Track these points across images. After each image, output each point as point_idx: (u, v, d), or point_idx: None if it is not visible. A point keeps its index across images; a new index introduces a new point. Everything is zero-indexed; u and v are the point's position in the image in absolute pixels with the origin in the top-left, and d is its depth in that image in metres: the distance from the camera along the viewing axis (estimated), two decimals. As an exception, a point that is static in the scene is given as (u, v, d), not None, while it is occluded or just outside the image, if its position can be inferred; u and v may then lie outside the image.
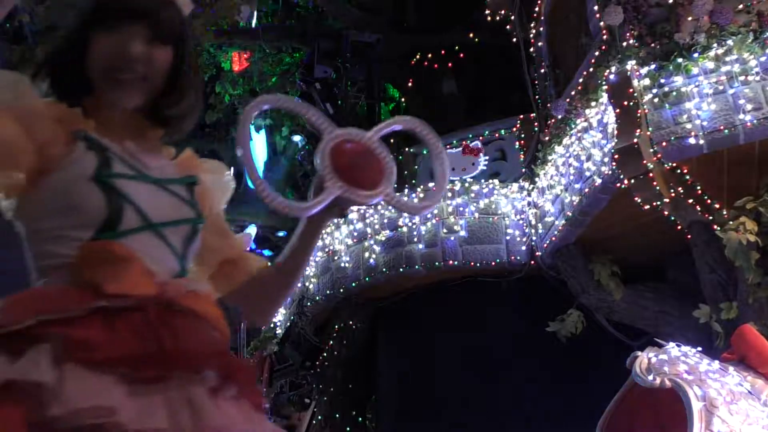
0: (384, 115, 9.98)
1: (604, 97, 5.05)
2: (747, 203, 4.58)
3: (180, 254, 1.28)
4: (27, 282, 1.23)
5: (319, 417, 7.70)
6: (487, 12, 7.73)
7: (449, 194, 6.82)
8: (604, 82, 5.00)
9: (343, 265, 7.21)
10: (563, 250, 6.01)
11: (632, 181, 4.72)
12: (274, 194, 1.30)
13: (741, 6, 4.72)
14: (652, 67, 4.76)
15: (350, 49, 9.11)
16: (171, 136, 1.41)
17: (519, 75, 7.36)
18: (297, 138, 11.02)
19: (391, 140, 10.43)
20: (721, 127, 4.47)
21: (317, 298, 7.54)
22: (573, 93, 5.91)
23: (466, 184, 6.82)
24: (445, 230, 6.68)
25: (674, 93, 4.65)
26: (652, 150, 4.62)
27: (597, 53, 5.40)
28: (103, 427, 1.00)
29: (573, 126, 5.75)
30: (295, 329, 7.77)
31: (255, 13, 9.73)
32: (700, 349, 3.38)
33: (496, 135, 7.51)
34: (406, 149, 8.33)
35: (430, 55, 9.48)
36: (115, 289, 1.11)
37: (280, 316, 8.85)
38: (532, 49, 7.21)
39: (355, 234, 7.20)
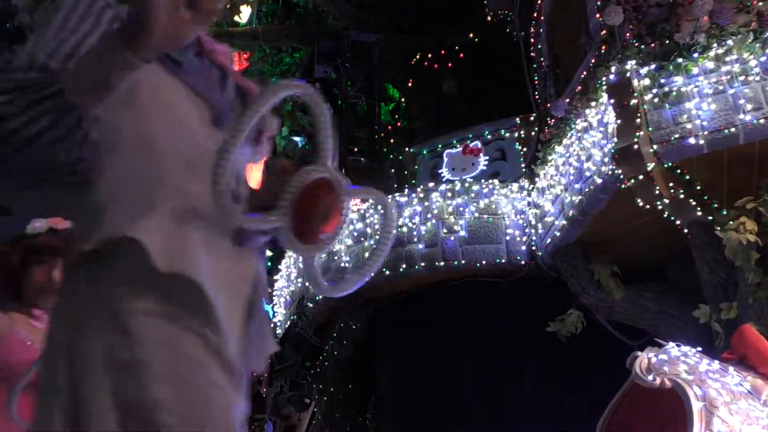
0: (384, 115, 9.99)
1: (604, 97, 5.05)
2: (747, 203, 4.58)
3: None
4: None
5: (319, 417, 7.70)
6: (487, 12, 7.74)
7: (449, 194, 6.82)
8: (604, 82, 5.00)
9: (343, 265, 7.21)
10: (563, 250, 6.01)
11: (632, 181, 4.72)
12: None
13: (741, 6, 4.72)
14: (652, 67, 4.76)
15: (350, 49, 9.11)
16: None
17: (519, 75, 7.36)
18: (297, 138, 11.01)
19: (392, 140, 10.44)
20: (721, 127, 4.47)
21: (317, 298, 7.54)
22: (573, 93, 5.92)
23: (466, 184, 6.82)
24: (445, 230, 6.68)
25: (674, 93, 4.65)
26: (652, 150, 4.62)
27: (597, 53, 5.41)
28: None
29: (573, 126, 5.75)
30: (295, 329, 7.77)
31: (255, 12, 9.73)
32: (700, 349, 3.38)
33: (496, 135, 7.52)
34: (407, 149, 8.34)
35: (430, 55, 9.48)
36: None
37: (280, 316, 8.85)
38: (532, 49, 7.21)
39: (355, 234, 7.20)
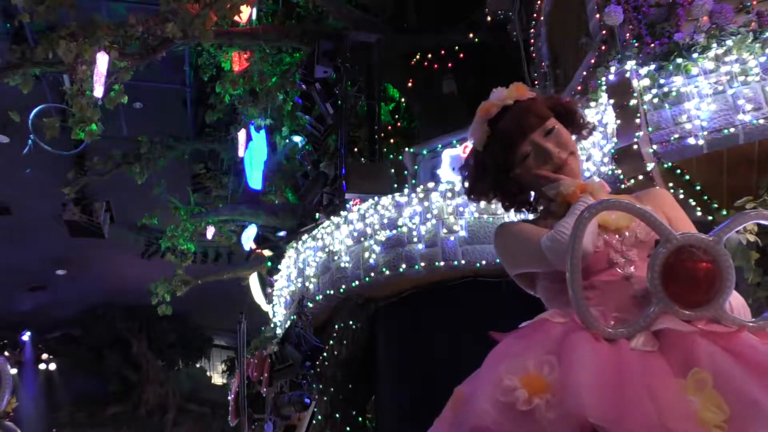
0: (384, 115, 9.98)
1: (604, 97, 5.05)
2: (747, 203, 4.58)
3: None
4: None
5: (319, 417, 7.70)
6: (487, 12, 7.74)
7: (449, 194, 6.83)
8: (604, 82, 5.00)
9: (343, 265, 7.21)
10: (563, 250, 5.99)
11: (632, 181, 4.72)
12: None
13: (741, 6, 4.72)
14: (652, 67, 4.76)
15: (350, 49, 9.11)
16: None
17: (519, 75, 7.35)
18: (297, 138, 11.01)
19: (392, 140, 10.42)
20: (721, 127, 4.47)
21: (317, 298, 7.54)
22: (573, 93, 5.92)
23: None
24: (445, 230, 6.68)
25: (674, 93, 4.65)
26: (652, 150, 4.62)
27: (597, 53, 5.41)
28: None
29: (573, 126, 5.74)
30: (295, 329, 7.77)
31: (255, 12, 9.73)
32: (700, 349, 3.37)
33: (497, 135, 7.50)
34: (407, 149, 8.34)
35: (430, 55, 9.48)
36: None
37: (280, 316, 8.86)
38: (532, 49, 7.21)
39: (355, 234, 7.20)
